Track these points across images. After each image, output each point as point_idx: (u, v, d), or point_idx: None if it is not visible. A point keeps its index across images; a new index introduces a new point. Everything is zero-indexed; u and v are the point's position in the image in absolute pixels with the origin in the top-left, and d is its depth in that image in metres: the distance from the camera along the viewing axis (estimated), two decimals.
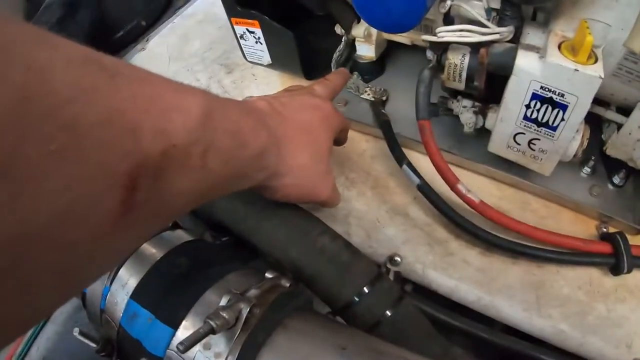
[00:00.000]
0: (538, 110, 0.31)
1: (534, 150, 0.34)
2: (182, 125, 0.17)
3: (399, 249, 0.35)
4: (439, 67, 0.34)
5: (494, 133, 0.35)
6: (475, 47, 0.32)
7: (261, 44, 0.41)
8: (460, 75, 0.34)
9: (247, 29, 0.40)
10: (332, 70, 0.43)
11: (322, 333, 0.26)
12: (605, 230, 0.35)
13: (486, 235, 0.33)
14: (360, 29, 0.40)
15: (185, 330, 0.27)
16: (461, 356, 0.40)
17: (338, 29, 0.41)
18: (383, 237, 0.36)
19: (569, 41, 0.30)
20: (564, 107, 0.30)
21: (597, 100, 0.34)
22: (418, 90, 0.34)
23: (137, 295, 0.29)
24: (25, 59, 0.11)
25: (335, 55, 0.43)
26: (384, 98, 0.43)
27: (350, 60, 0.45)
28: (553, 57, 0.29)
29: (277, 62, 0.42)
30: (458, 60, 0.33)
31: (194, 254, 0.31)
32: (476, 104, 0.37)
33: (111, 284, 0.30)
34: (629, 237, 0.34)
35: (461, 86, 0.35)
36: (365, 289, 0.30)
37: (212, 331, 0.24)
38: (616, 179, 0.37)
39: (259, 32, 0.40)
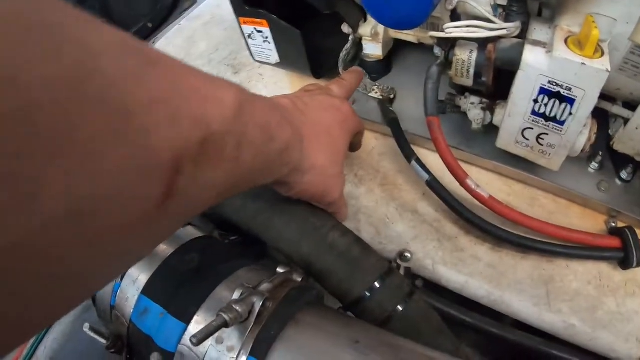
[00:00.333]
0: (546, 105, 0.32)
1: (542, 145, 0.34)
2: (219, 115, 0.17)
3: (408, 245, 0.35)
4: (447, 63, 0.35)
5: (502, 129, 0.35)
6: (482, 43, 0.33)
7: (269, 43, 0.41)
8: (468, 72, 0.34)
9: (255, 29, 0.41)
10: (340, 69, 0.44)
11: (335, 327, 0.26)
12: (614, 224, 0.35)
13: (496, 231, 0.33)
14: (367, 28, 0.41)
15: (197, 325, 0.27)
16: (471, 354, 0.40)
17: (345, 28, 0.41)
18: (393, 233, 0.36)
19: (575, 36, 0.30)
20: (571, 101, 0.30)
21: (604, 95, 0.34)
22: (426, 86, 0.35)
23: (148, 290, 0.29)
24: (76, 40, 0.11)
25: (342, 54, 0.43)
26: (392, 96, 0.43)
27: (357, 59, 0.45)
28: (560, 52, 0.29)
29: (285, 61, 0.43)
30: (466, 56, 0.33)
31: (204, 250, 0.31)
32: (484, 100, 0.37)
33: (122, 280, 0.30)
34: (638, 231, 0.34)
35: (469, 82, 0.35)
36: (376, 284, 0.30)
37: (225, 324, 0.24)
38: (624, 174, 0.37)
39: (267, 31, 0.40)
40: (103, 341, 0.29)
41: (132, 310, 0.29)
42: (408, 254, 0.35)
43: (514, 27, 0.31)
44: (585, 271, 0.34)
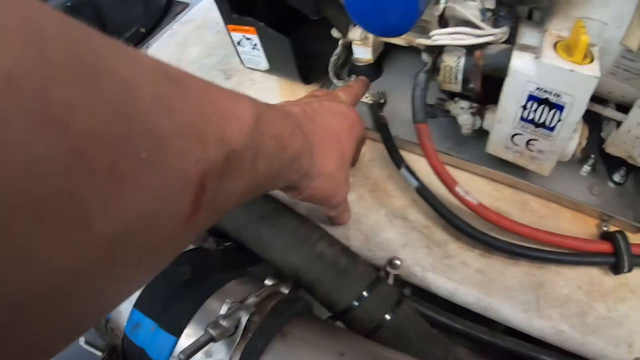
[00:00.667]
0: (535, 111, 0.31)
1: (532, 150, 0.34)
2: (238, 132, 0.18)
3: (398, 252, 0.35)
4: (435, 69, 0.34)
5: (491, 134, 0.35)
6: (470, 49, 0.32)
7: (258, 50, 0.41)
8: (456, 78, 0.34)
9: (244, 36, 0.40)
10: (330, 73, 0.43)
11: (321, 339, 0.27)
12: (605, 229, 0.35)
13: (485, 238, 0.33)
14: (356, 32, 0.40)
15: (187, 339, 0.27)
16: (465, 355, 0.40)
17: (335, 33, 0.41)
18: (382, 240, 0.36)
19: (564, 40, 0.30)
20: (560, 108, 0.30)
21: (596, 98, 0.34)
22: (414, 93, 0.34)
23: (141, 304, 0.29)
24: (114, 77, 0.12)
25: (332, 59, 0.43)
26: (382, 101, 0.43)
27: (347, 63, 0.45)
28: (548, 58, 0.29)
29: (275, 67, 0.42)
30: (453, 63, 0.33)
31: (195, 263, 0.32)
32: (473, 105, 0.36)
33: None
34: (630, 235, 0.33)
35: (457, 88, 0.34)
36: (365, 293, 0.30)
37: (212, 339, 0.25)
38: (616, 177, 0.37)
39: (255, 38, 0.40)
40: (99, 353, 0.30)
41: (125, 324, 0.30)
42: (398, 261, 0.35)
43: (501, 32, 0.31)
44: (575, 276, 0.34)
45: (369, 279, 0.31)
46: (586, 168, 0.37)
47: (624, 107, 0.33)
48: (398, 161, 0.36)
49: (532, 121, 0.32)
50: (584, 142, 0.33)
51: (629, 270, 0.32)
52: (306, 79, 0.42)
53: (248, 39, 0.40)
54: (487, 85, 0.34)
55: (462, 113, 0.36)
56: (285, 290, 0.30)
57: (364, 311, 0.30)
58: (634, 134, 0.33)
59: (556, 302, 0.33)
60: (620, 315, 0.32)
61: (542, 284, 0.34)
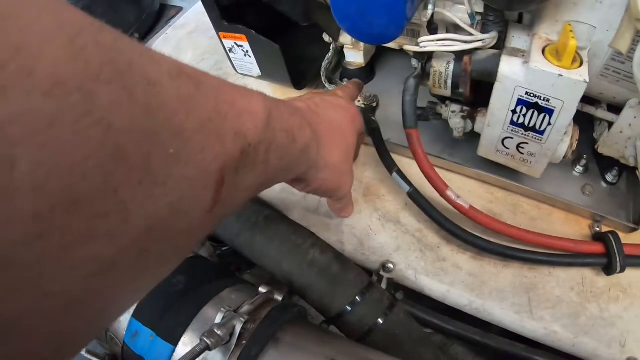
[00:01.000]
0: (524, 115, 0.31)
1: (522, 153, 0.34)
2: (253, 127, 0.18)
3: (391, 256, 0.36)
4: (425, 75, 0.34)
5: (482, 137, 0.35)
6: (459, 54, 0.32)
7: (250, 57, 0.41)
8: (445, 83, 0.34)
9: (236, 43, 0.41)
10: (322, 78, 0.44)
11: (312, 345, 0.27)
12: (598, 229, 0.35)
13: (477, 241, 0.34)
14: (347, 36, 0.40)
15: (184, 347, 0.28)
16: (462, 354, 0.40)
17: (326, 37, 0.41)
18: (375, 244, 0.36)
19: (553, 45, 0.30)
20: (550, 112, 0.30)
21: (588, 99, 0.34)
22: (404, 99, 0.34)
23: (139, 313, 0.30)
24: (142, 77, 0.13)
25: (324, 63, 0.43)
26: (374, 104, 0.43)
27: (339, 68, 0.45)
28: (537, 63, 0.29)
29: (267, 73, 0.43)
30: (443, 68, 0.33)
31: (190, 271, 0.32)
32: (464, 108, 0.37)
33: None
34: (623, 235, 0.34)
35: (447, 93, 0.34)
36: (357, 298, 0.31)
37: (208, 348, 0.25)
38: (609, 177, 0.37)
39: (246, 45, 0.40)
40: None
41: (124, 332, 0.30)
42: (391, 265, 0.35)
43: (489, 38, 0.31)
44: (568, 278, 0.34)
45: (361, 284, 0.32)
46: (579, 168, 0.37)
47: (616, 108, 0.33)
48: (390, 166, 0.37)
49: (522, 125, 0.32)
50: (575, 144, 0.33)
51: (622, 271, 0.33)
52: (298, 84, 0.42)
53: (239, 46, 0.41)
54: (478, 89, 0.34)
55: (454, 116, 0.37)
56: (279, 297, 0.30)
57: (356, 316, 0.31)
58: (626, 134, 0.33)
59: (548, 303, 0.33)
60: (613, 316, 0.33)
61: (534, 285, 0.34)
